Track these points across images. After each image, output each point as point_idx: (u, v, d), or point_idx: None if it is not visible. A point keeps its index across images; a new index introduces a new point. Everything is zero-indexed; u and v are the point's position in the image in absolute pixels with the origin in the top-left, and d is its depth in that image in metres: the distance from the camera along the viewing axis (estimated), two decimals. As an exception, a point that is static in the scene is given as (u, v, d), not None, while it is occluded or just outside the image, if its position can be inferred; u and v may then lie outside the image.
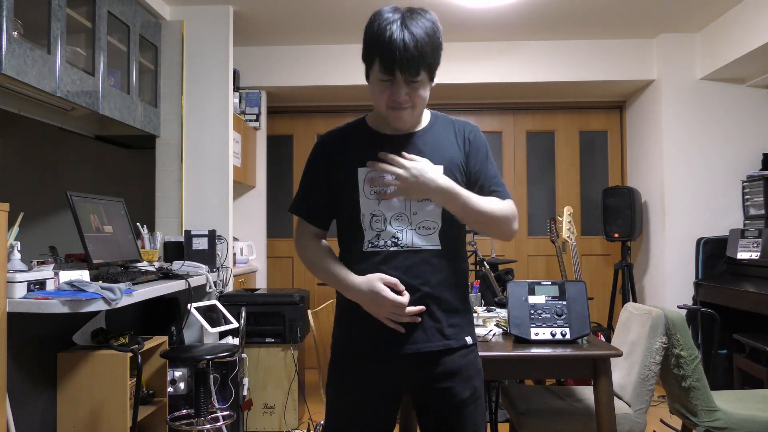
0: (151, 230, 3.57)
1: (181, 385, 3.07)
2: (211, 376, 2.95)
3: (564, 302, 2.21)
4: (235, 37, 4.03)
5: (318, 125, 5.11)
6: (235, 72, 4.23)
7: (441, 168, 1.47)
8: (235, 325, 3.14)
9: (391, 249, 1.45)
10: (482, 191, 1.51)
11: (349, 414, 1.50)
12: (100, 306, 2.17)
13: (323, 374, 2.37)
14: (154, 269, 2.96)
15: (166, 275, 2.95)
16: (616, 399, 2.30)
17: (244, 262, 4.34)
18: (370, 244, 1.46)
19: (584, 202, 5.10)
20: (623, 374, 2.45)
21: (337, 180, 1.51)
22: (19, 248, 2.35)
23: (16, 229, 2.30)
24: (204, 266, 3.33)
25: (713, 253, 4.13)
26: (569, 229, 3.86)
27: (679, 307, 3.69)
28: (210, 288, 3.39)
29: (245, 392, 3.44)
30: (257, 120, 4.65)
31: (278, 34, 4.34)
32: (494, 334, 2.34)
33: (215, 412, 3.01)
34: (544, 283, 2.26)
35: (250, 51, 4.54)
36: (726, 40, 3.96)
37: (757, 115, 4.32)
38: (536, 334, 2.18)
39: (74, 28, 2.88)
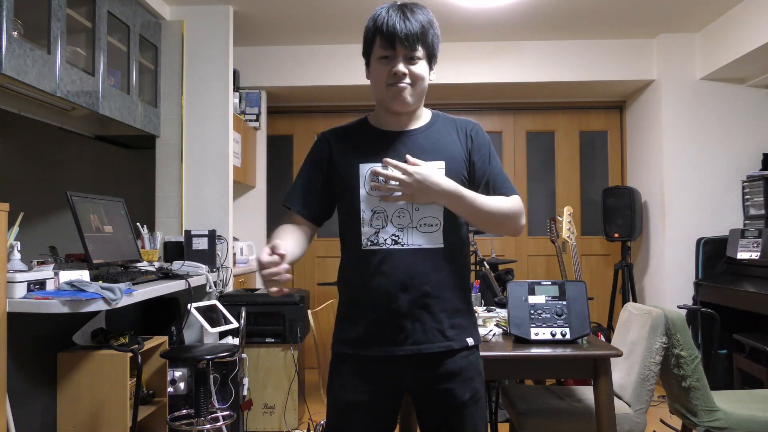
0: (151, 230, 3.57)
1: (181, 385, 3.07)
2: (211, 376, 2.95)
3: (564, 302, 2.21)
4: (235, 37, 4.03)
5: (318, 125, 5.11)
6: (235, 72, 4.23)
7: (443, 164, 1.47)
8: (235, 325, 3.14)
9: (392, 247, 1.45)
10: (488, 189, 1.51)
11: (350, 414, 1.50)
12: (100, 306, 2.17)
13: (323, 374, 2.37)
14: (154, 269, 2.96)
15: (166, 275, 2.95)
16: (616, 399, 2.30)
17: (244, 262, 4.33)
18: (369, 242, 1.46)
19: (584, 202, 5.10)
20: (623, 374, 2.45)
21: (337, 175, 1.51)
22: (19, 248, 2.35)
23: (16, 229, 2.30)
24: (204, 266, 3.33)
25: (713, 253, 4.13)
26: (569, 229, 3.86)
27: (679, 307, 3.69)
28: (210, 288, 3.39)
29: (245, 392, 3.44)
30: (257, 120, 4.65)
31: (278, 34, 4.34)
32: (494, 334, 2.34)
33: (215, 412, 3.01)
34: (544, 283, 2.26)
35: (250, 51, 4.54)
36: (726, 40, 3.95)
37: (757, 115, 4.32)
38: (536, 334, 2.18)
39: (74, 28, 2.88)
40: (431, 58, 1.48)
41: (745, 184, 4.14)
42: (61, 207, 3.86)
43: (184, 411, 2.97)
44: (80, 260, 2.77)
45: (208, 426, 2.78)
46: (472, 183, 1.51)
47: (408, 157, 1.45)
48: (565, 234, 3.85)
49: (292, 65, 4.56)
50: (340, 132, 1.57)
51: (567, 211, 3.93)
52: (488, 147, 1.56)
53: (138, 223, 3.42)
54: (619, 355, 2.06)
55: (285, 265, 1.31)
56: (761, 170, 4.14)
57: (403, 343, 1.45)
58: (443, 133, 1.53)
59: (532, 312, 2.21)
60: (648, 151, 4.62)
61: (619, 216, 4.46)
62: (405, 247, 1.45)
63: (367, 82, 1.53)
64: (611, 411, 2.05)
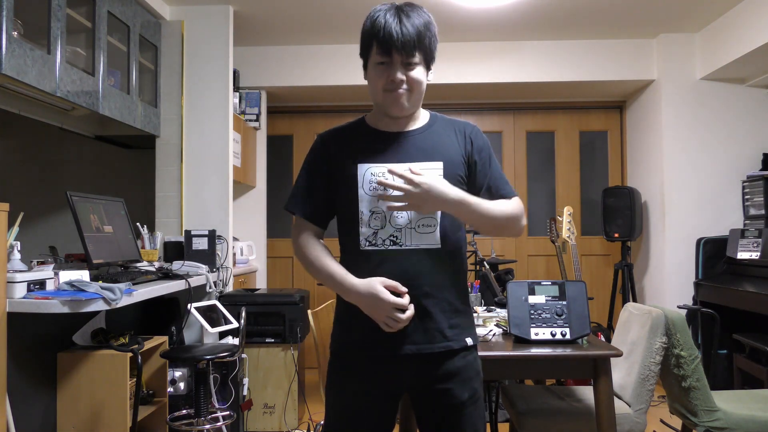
0: (151, 230, 3.57)
1: (181, 385, 3.07)
2: (211, 376, 2.95)
3: (564, 302, 2.21)
4: (235, 37, 4.03)
5: (318, 125, 5.11)
6: (235, 72, 4.23)
7: (441, 165, 1.47)
8: (235, 325, 3.15)
9: (390, 248, 1.45)
10: (490, 193, 1.51)
11: (349, 414, 1.50)
12: (100, 306, 2.17)
13: (323, 374, 2.37)
14: (154, 269, 2.96)
15: (166, 275, 2.95)
16: (616, 399, 2.30)
17: (244, 262, 4.34)
18: (368, 243, 1.46)
19: (584, 202, 5.10)
20: (623, 374, 2.45)
21: (336, 176, 1.51)
22: (19, 248, 2.35)
23: (16, 229, 2.30)
24: (204, 266, 3.33)
25: (713, 253, 4.13)
26: (569, 229, 3.86)
27: (679, 307, 3.69)
28: (210, 288, 3.39)
29: (245, 392, 3.44)
30: (257, 120, 4.65)
31: (278, 34, 4.34)
32: (494, 334, 2.34)
33: (215, 412, 3.01)
34: (544, 283, 2.26)
35: (250, 51, 4.54)
36: (726, 40, 3.95)
37: (757, 115, 4.32)
38: (536, 334, 2.18)
39: (74, 28, 2.88)
40: (428, 62, 1.48)
41: (745, 184, 4.14)
42: (61, 207, 3.87)
43: (184, 411, 2.97)
44: (80, 260, 2.77)
45: (208, 426, 2.78)
46: (470, 185, 1.51)
47: (411, 168, 1.43)
48: (565, 234, 3.85)
49: (292, 65, 4.56)
50: (338, 133, 1.57)
51: (567, 211, 3.93)
52: (488, 150, 1.56)
53: (138, 223, 3.42)
54: (619, 355, 2.06)
55: (411, 311, 1.43)
56: (761, 170, 4.14)
57: (403, 343, 1.45)
58: (441, 135, 1.53)
59: (532, 312, 2.21)
60: (648, 151, 4.62)
61: (619, 216, 4.46)
62: (403, 247, 1.45)
63: (365, 79, 1.53)
64: (611, 411, 2.05)
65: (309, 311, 2.54)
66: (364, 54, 1.49)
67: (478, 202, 1.45)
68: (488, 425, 2.94)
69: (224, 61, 3.83)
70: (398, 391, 1.52)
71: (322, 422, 1.64)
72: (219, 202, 3.79)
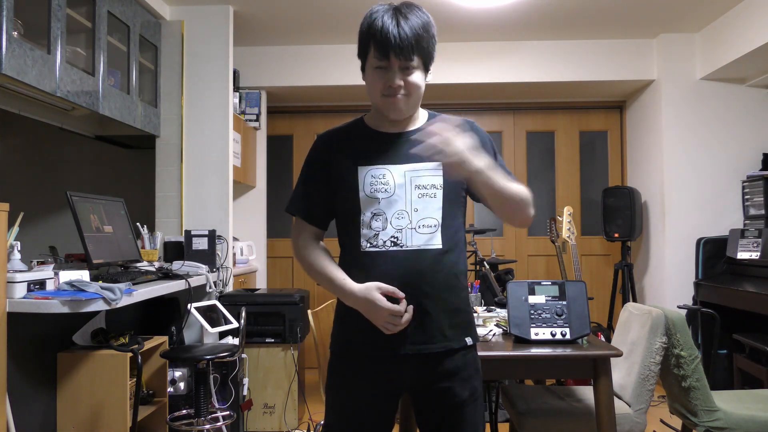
0: (151, 230, 3.57)
1: (181, 385, 3.07)
2: (211, 376, 2.95)
3: (564, 302, 2.21)
4: (235, 37, 4.03)
5: (318, 125, 5.11)
6: (235, 72, 4.23)
7: (440, 164, 1.46)
8: (235, 325, 3.15)
9: (390, 249, 1.45)
10: None
11: (349, 414, 1.50)
12: (100, 306, 2.17)
13: (323, 374, 2.37)
14: (154, 269, 2.96)
15: (166, 275, 2.95)
16: (616, 399, 2.30)
17: (244, 262, 4.34)
18: (369, 244, 1.46)
19: (584, 202, 5.10)
20: (623, 374, 2.45)
21: (336, 178, 1.51)
22: (19, 248, 2.35)
23: (16, 229, 2.30)
24: (204, 266, 3.33)
25: (713, 253, 4.13)
26: (569, 229, 3.86)
27: (679, 307, 3.69)
28: (210, 288, 3.39)
29: (245, 392, 3.44)
30: (257, 120, 4.65)
31: (278, 34, 4.34)
32: (494, 334, 2.34)
33: (215, 412, 3.01)
34: (544, 283, 2.26)
35: (250, 51, 4.54)
36: (726, 40, 3.95)
37: (757, 115, 4.32)
38: (536, 334, 2.18)
39: (74, 28, 2.88)
40: (427, 64, 1.46)
41: (745, 184, 4.14)
42: (61, 207, 3.87)
43: (184, 411, 2.97)
44: (80, 260, 2.77)
45: (208, 426, 2.78)
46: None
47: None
48: (565, 234, 3.85)
49: (292, 65, 4.56)
50: (337, 134, 1.57)
51: (567, 211, 3.93)
52: (491, 144, 1.56)
53: (138, 223, 3.42)
54: (619, 355, 2.06)
55: (409, 314, 1.42)
56: (761, 170, 4.14)
57: (403, 343, 1.45)
58: None
59: (532, 312, 2.21)
60: (648, 151, 4.62)
61: (619, 216, 4.46)
62: (404, 248, 1.45)
63: (363, 80, 1.53)
64: (611, 411, 2.05)
65: (309, 311, 2.54)
66: (362, 55, 1.48)
67: (504, 174, 1.41)
68: (488, 425, 2.94)
69: (224, 61, 3.83)
70: (398, 391, 1.52)
71: (322, 422, 1.64)
72: (219, 202, 3.79)
